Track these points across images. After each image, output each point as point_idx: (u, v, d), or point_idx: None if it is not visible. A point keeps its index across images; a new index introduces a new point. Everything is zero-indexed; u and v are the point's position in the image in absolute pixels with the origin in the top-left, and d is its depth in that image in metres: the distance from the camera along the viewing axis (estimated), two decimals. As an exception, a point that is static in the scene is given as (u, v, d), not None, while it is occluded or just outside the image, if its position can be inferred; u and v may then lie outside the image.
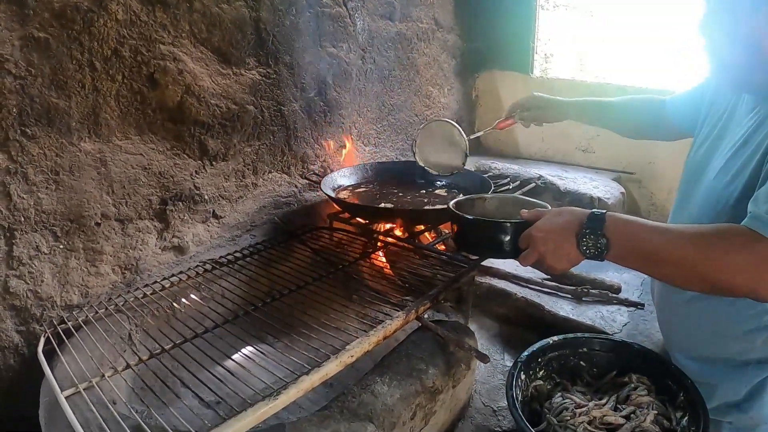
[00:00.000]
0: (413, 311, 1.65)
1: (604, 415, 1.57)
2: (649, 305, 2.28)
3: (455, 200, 1.84)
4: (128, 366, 1.49)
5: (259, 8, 2.33)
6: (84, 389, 1.38)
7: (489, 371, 2.07)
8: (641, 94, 2.17)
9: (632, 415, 1.56)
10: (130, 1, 1.89)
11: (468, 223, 1.69)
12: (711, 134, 1.70)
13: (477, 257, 2.00)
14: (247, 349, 1.67)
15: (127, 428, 1.20)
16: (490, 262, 2.60)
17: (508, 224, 1.60)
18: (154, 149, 2.06)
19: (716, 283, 1.28)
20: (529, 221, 1.54)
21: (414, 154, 2.52)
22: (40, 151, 1.75)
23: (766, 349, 1.55)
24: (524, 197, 1.87)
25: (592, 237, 1.38)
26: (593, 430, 1.53)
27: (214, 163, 2.28)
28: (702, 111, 1.81)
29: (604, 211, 1.42)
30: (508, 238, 1.59)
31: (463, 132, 2.42)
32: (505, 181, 3.08)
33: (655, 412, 1.56)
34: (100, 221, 1.94)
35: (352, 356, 1.41)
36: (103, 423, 1.23)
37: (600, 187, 3.25)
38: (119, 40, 1.88)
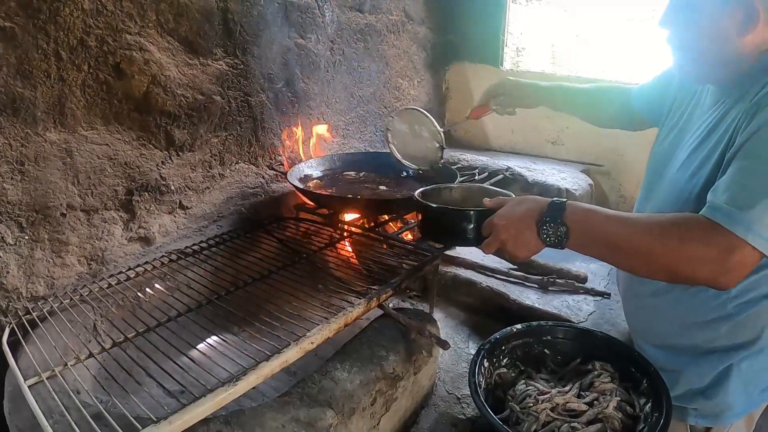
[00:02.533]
0: (375, 299, 1.67)
1: (567, 402, 1.59)
2: (616, 295, 2.32)
3: (421, 189, 1.86)
4: (91, 355, 1.50)
5: (227, -1, 2.33)
6: (47, 378, 1.38)
7: (453, 359, 2.09)
8: (611, 83, 2.18)
9: (595, 402, 1.59)
10: (96, -10, 1.88)
11: (432, 212, 1.71)
12: (675, 126, 1.73)
13: (441, 246, 2.02)
14: (212, 339, 1.68)
15: (88, 416, 1.21)
16: (456, 252, 2.62)
17: (471, 212, 1.62)
18: (120, 139, 2.05)
19: (675, 272, 1.31)
20: (492, 209, 1.56)
21: (390, 145, 2.45)
22: (5, 141, 1.74)
23: (730, 337, 1.58)
24: (489, 186, 1.90)
25: (552, 225, 1.40)
26: (556, 416, 1.55)
27: (180, 153, 2.28)
28: (667, 102, 1.83)
29: (565, 199, 1.44)
30: (471, 225, 1.61)
31: (436, 123, 2.37)
32: (474, 172, 3.10)
33: (618, 398, 1.59)
34: (65, 212, 1.93)
35: (312, 343, 1.43)
36: (65, 411, 1.24)
37: (568, 179, 3.29)
38: (85, 29, 1.87)
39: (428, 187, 1.90)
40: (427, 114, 2.36)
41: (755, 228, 1.20)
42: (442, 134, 2.33)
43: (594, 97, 2.17)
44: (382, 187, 2.57)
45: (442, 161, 2.38)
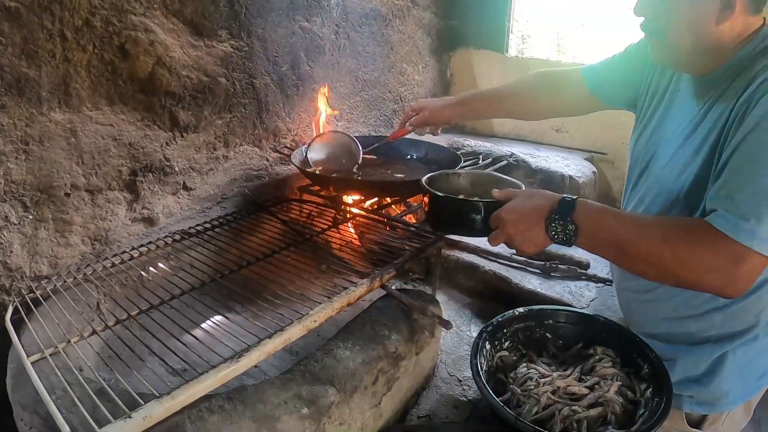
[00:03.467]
0: (378, 279, 1.68)
1: (568, 385, 1.59)
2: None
3: (428, 175, 1.84)
4: (94, 332, 1.51)
5: (233, -20, 2.33)
6: (50, 355, 1.39)
7: (455, 342, 2.10)
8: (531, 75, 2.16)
9: (596, 386, 1.60)
10: (102, -30, 1.88)
11: (439, 200, 1.67)
12: (655, 114, 1.72)
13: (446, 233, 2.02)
14: (215, 318, 1.68)
15: (90, 391, 1.22)
16: (458, 236, 2.63)
17: (479, 203, 1.59)
18: (124, 120, 2.05)
19: (684, 281, 1.32)
20: (501, 201, 1.54)
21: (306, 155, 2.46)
22: (10, 120, 1.74)
23: (724, 326, 1.59)
24: (499, 174, 1.89)
25: (561, 223, 1.39)
26: (557, 399, 1.56)
27: (184, 134, 2.28)
28: (640, 88, 1.81)
29: (576, 197, 1.42)
30: (479, 217, 1.58)
31: (359, 145, 2.44)
32: (477, 158, 3.10)
33: (619, 383, 1.59)
34: (69, 192, 1.94)
35: (315, 321, 1.44)
36: (68, 386, 1.25)
37: (572, 166, 3.29)
38: (90, 10, 1.87)
39: (435, 173, 1.89)
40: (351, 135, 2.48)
41: (760, 235, 1.21)
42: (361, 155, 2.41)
43: (519, 94, 2.17)
44: (398, 175, 2.57)
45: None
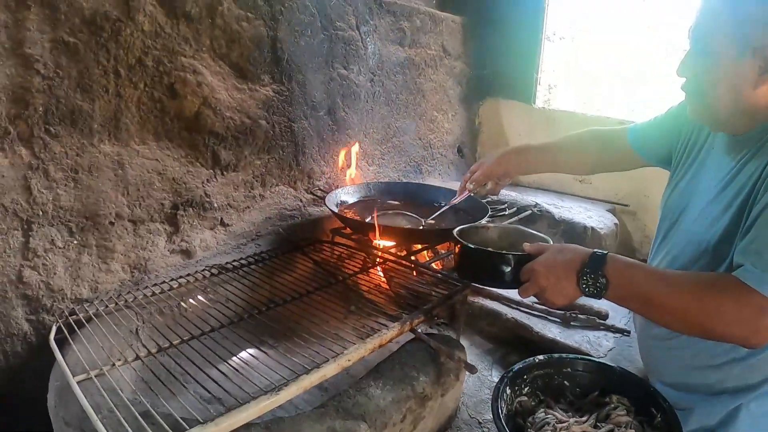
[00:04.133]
0: (408, 323, 1.73)
1: (584, 431, 1.64)
2: (635, 333, 2.35)
3: (460, 227, 1.89)
4: (138, 357, 1.57)
5: (277, 28, 2.42)
6: (95, 376, 1.45)
7: (477, 386, 2.14)
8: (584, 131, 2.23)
9: (610, 432, 1.64)
10: (157, 13, 1.98)
11: (471, 252, 1.72)
12: (688, 171, 1.78)
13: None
14: (250, 351, 1.74)
15: (136, 413, 1.27)
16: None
17: (511, 256, 1.63)
18: (169, 156, 2.14)
19: (710, 331, 1.36)
20: (531, 254, 1.59)
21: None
22: (62, 149, 1.82)
23: (742, 378, 1.61)
24: (527, 229, 1.92)
25: (592, 276, 1.44)
26: (572, 445, 1.60)
27: (225, 173, 2.36)
28: (676, 146, 1.87)
29: (606, 252, 1.47)
30: (509, 269, 1.62)
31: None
32: (503, 206, 3.15)
33: (633, 431, 1.62)
34: (113, 221, 2.01)
35: (349, 360, 1.50)
36: (114, 407, 1.30)
37: (594, 217, 3.32)
38: (144, 50, 1.97)
39: (466, 226, 1.93)
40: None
41: None
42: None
43: (573, 150, 2.23)
44: (428, 221, 2.62)
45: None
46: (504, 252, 1.67)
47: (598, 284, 1.44)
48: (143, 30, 1.95)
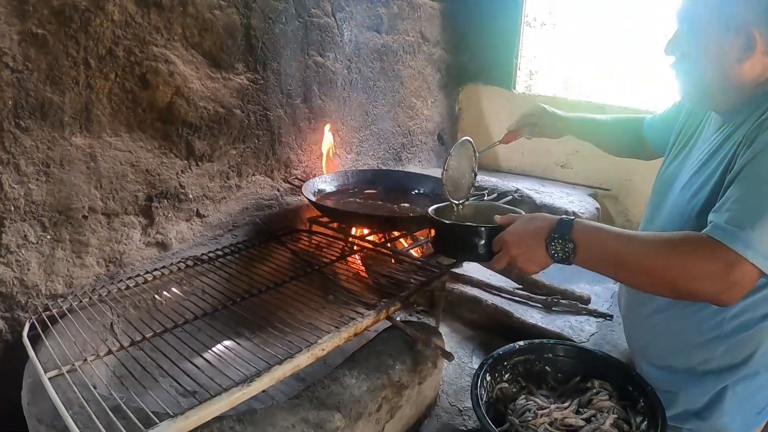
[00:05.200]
0: (384, 310, 1.72)
1: (565, 417, 1.62)
2: (617, 317, 2.35)
3: (434, 206, 1.92)
4: (110, 352, 1.55)
5: (250, 15, 2.40)
6: (67, 372, 1.43)
7: (457, 373, 2.13)
8: (629, 114, 2.23)
9: (593, 418, 1.62)
10: (127, 2, 1.95)
11: (445, 228, 1.76)
12: (681, 153, 1.79)
13: (450, 262, 2.05)
14: (225, 343, 1.73)
15: (107, 408, 1.26)
16: (463, 270, 2.66)
17: (482, 228, 1.66)
18: (142, 147, 2.11)
19: (678, 288, 1.37)
20: (502, 226, 1.62)
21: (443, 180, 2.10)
22: (33, 143, 1.80)
23: (725, 358, 1.62)
24: (499, 204, 1.96)
25: (560, 241, 1.46)
26: (554, 431, 1.59)
27: (199, 163, 2.34)
28: (674, 131, 1.89)
29: (573, 217, 1.51)
30: (482, 242, 1.66)
31: (476, 148, 2.22)
32: (483, 193, 3.14)
33: (615, 416, 1.62)
34: (87, 214, 1.99)
35: (323, 350, 1.48)
36: (85, 403, 1.28)
37: (575, 202, 3.33)
38: (114, 40, 1.94)
39: (441, 204, 1.96)
40: (470, 140, 2.16)
41: (754, 246, 1.25)
42: (476, 165, 2.17)
43: (610, 130, 2.23)
44: (404, 204, 2.63)
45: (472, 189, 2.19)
46: (475, 225, 1.71)
47: (566, 249, 1.46)
48: (113, 20, 1.92)
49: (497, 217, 1.67)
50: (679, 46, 1.55)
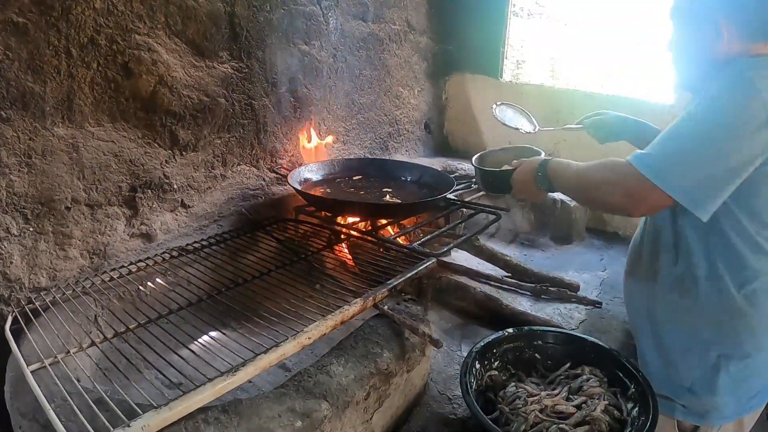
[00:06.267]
0: (371, 298, 1.71)
1: (556, 404, 1.62)
2: (607, 304, 2.37)
3: (479, 153, 2.31)
4: (93, 343, 1.53)
5: (234, 3, 2.37)
6: (49, 364, 1.42)
7: (446, 361, 2.12)
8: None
9: (584, 405, 1.62)
10: (108, -10, 1.92)
11: (480, 172, 2.15)
12: None
13: (436, 252, 2.08)
14: (211, 333, 1.70)
15: (90, 401, 1.24)
16: (451, 258, 2.67)
17: (498, 172, 2.03)
18: (125, 137, 2.09)
19: (600, 200, 1.72)
20: (515, 169, 1.96)
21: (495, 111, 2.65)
22: (14, 133, 1.77)
23: (718, 332, 1.67)
24: (534, 147, 2.24)
25: (541, 176, 1.82)
26: (545, 418, 1.59)
27: (184, 153, 2.32)
28: None
29: (549, 158, 1.87)
30: (505, 181, 1.98)
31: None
32: (470, 181, 3.13)
33: (606, 402, 1.62)
34: (70, 206, 1.97)
35: (309, 338, 1.47)
36: (67, 395, 1.27)
37: (561, 190, 3.33)
38: (96, 28, 1.92)
39: (485, 151, 2.37)
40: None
41: (662, 173, 1.46)
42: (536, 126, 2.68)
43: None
44: (387, 189, 2.63)
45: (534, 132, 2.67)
46: (495, 170, 2.08)
47: (546, 182, 1.81)
48: (95, 8, 1.90)
49: (514, 162, 1.99)
50: (672, 42, 1.74)
